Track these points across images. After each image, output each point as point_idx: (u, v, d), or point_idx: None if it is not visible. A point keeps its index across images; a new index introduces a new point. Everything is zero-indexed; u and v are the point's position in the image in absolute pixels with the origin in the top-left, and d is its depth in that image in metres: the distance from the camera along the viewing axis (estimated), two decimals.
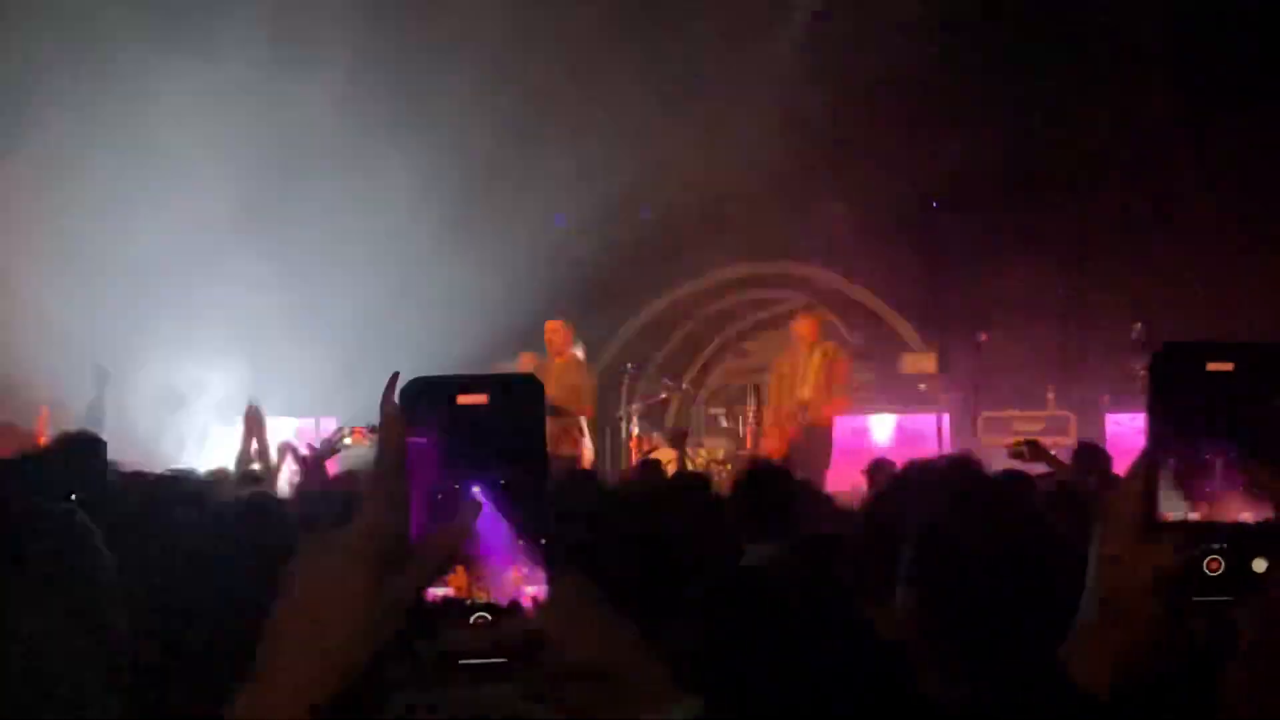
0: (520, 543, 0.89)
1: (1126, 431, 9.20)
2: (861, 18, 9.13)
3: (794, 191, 10.22)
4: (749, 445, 9.14)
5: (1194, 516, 1.05)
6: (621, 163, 9.39)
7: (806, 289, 11.26)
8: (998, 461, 6.81)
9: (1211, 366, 1.04)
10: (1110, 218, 9.68)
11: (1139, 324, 9.05)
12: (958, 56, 9.25)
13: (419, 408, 0.88)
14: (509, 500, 0.89)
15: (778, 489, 3.68)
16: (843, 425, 10.29)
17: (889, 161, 10.00)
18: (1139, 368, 9.11)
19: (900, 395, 10.52)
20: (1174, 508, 1.05)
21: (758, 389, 9.25)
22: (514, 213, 9.73)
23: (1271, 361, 1.05)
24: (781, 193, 10.18)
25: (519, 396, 0.90)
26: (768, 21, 9.90)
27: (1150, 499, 1.04)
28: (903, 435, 10.25)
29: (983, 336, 9.32)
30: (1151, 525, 1.04)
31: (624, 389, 9.87)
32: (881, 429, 10.36)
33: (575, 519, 2.76)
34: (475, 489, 0.88)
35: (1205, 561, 1.04)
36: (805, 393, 8.51)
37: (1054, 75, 9.33)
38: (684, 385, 10.77)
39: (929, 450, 9.54)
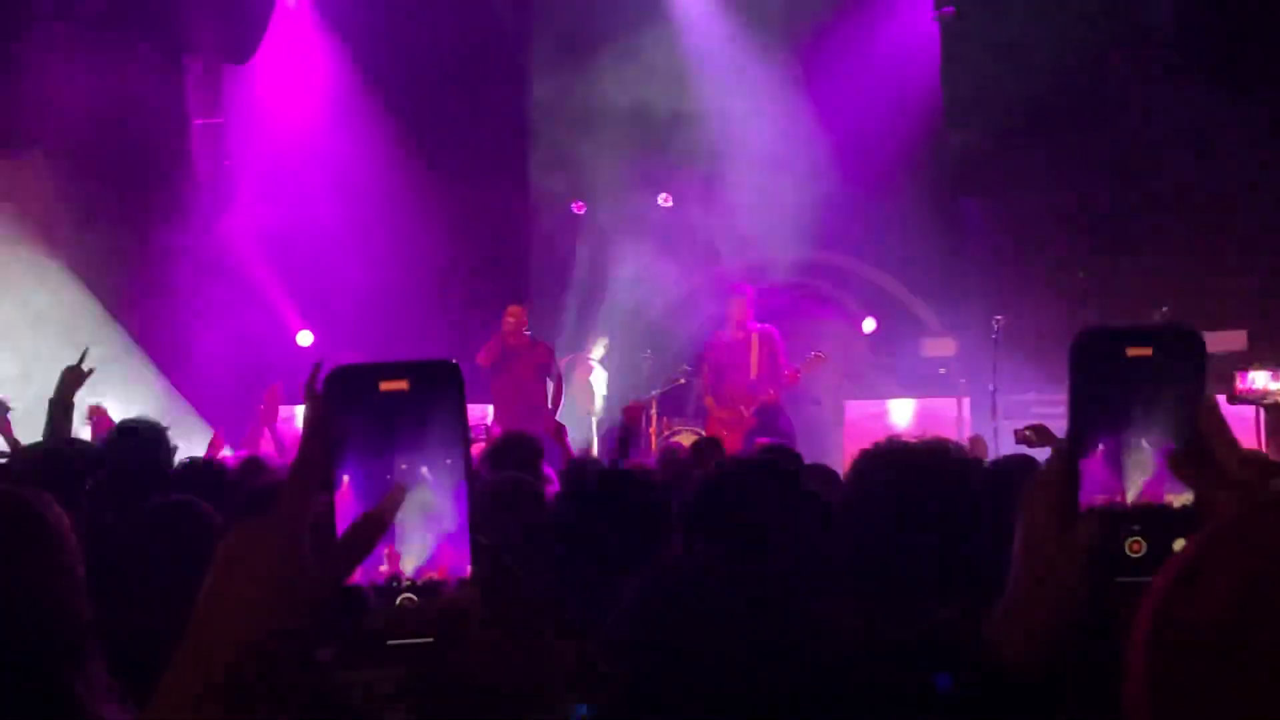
0: (446, 526, 0.92)
1: None
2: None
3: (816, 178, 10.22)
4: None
5: (1115, 500, 1.06)
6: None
7: (827, 273, 11.25)
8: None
9: (1131, 351, 1.06)
10: (1133, 201, 9.60)
11: (1165, 308, 9.05)
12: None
13: (341, 395, 0.92)
14: (434, 484, 0.92)
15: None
16: (861, 410, 10.32)
17: (908, 148, 10.03)
18: None
19: (920, 379, 10.49)
20: (1095, 492, 1.07)
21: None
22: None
23: (1189, 345, 1.06)
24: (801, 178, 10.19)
25: (439, 382, 0.93)
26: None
27: (1070, 484, 1.06)
28: (923, 419, 10.24)
29: (998, 319, 9.28)
30: (1072, 510, 1.06)
31: (645, 375, 9.92)
32: (901, 413, 10.35)
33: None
34: (401, 473, 0.91)
35: (1127, 543, 1.06)
36: (752, 373, 8.78)
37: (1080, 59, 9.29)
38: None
39: (948, 433, 9.57)
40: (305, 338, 9.82)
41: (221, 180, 9.31)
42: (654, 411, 9.77)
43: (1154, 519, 1.05)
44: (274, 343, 9.54)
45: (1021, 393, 9.90)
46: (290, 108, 9.54)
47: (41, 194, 8.96)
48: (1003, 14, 8.72)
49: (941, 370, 10.39)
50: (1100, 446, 1.06)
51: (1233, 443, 1.04)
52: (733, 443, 8.46)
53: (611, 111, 9.97)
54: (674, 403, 10.12)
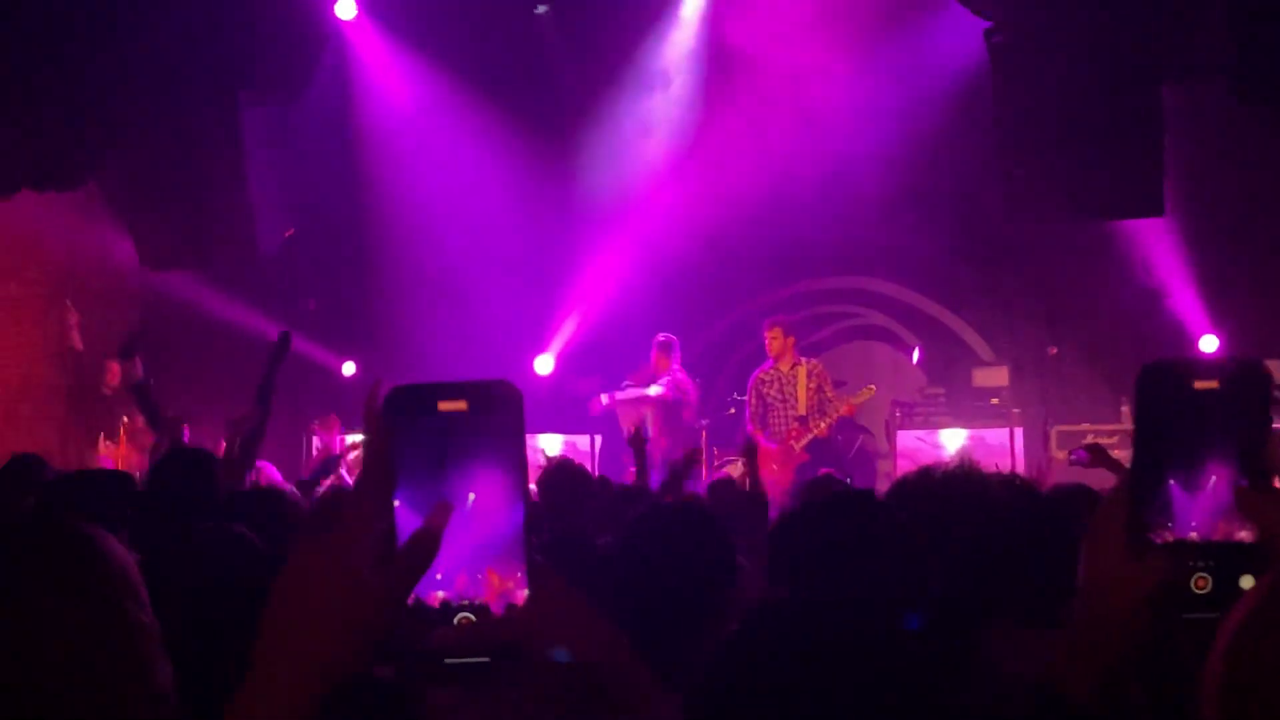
0: (502, 545, 0.94)
1: None
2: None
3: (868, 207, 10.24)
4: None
5: (1181, 535, 1.05)
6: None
7: (878, 303, 11.21)
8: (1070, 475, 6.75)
9: (1198, 384, 1.05)
10: (1184, 227, 9.50)
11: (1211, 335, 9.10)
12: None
13: (402, 415, 0.93)
14: (490, 503, 0.93)
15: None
16: (911, 439, 10.24)
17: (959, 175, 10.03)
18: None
19: (971, 410, 10.40)
20: (1161, 526, 1.05)
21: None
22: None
23: (1256, 378, 1.05)
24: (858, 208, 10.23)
25: (498, 403, 0.94)
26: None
27: (1136, 519, 1.05)
28: (975, 449, 10.15)
29: (1052, 350, 9.20)
30: (1138, 544, 1.05)
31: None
32: (952, 443, 10.26)
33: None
34: (456, 493, 0.93)
35: (1193, 579, 1.04)
36: (800, 409, 8.79)
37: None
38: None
39: (1001, 462, 9.50)
40: (349, 368, 9.96)
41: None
42: (703, 442, 9.77)
43: (1221, 555, 1.04)
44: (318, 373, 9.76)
45: (1075, 423, 9.81)
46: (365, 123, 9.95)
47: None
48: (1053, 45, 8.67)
49: (993, 400, 10.30)
50: (1166, 480, 1.05)
51: None
52: (782, 477, 8.49)
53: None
54: (722, 433, 10.11)
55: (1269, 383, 1.04)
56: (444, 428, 0.93)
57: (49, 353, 9.49)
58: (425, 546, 0.88)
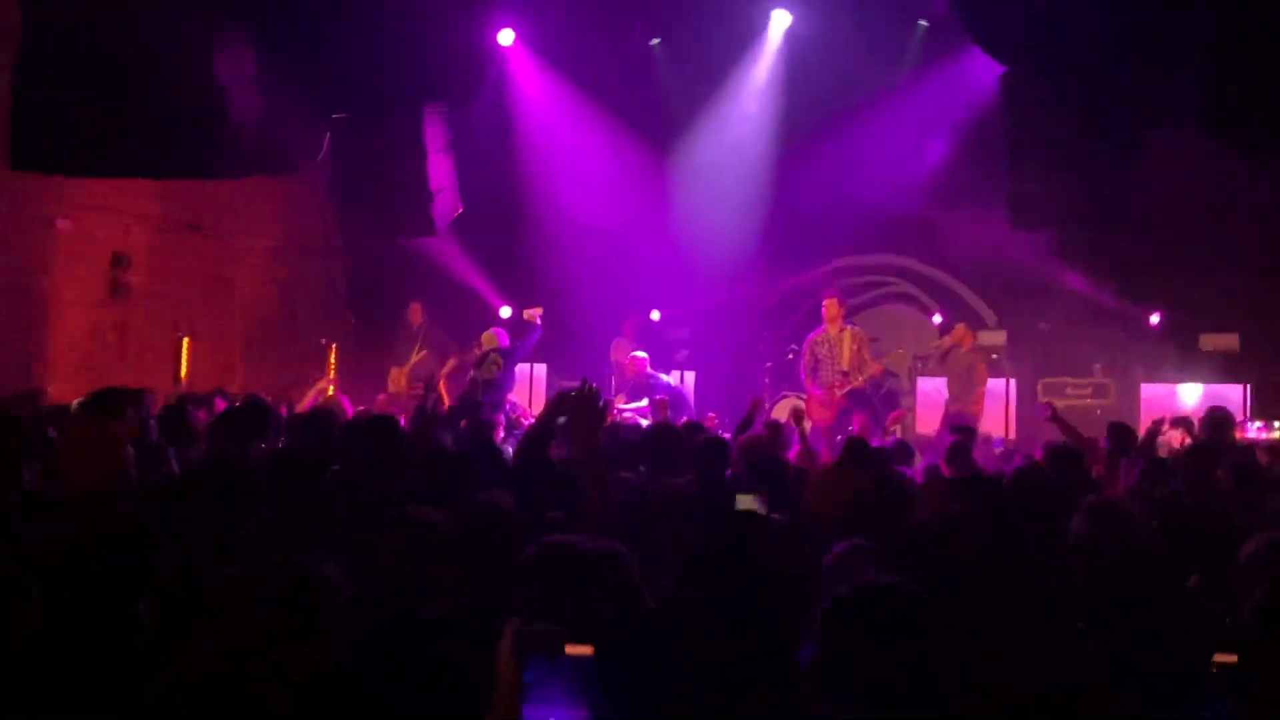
0: None
1: (1157, 396, 11.72)
2: None
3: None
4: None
5: None
6: None
7: (907, 275, 13.93)
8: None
9: None
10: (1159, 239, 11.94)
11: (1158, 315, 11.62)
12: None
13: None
14: None
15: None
16: (928, 384, 12.93)
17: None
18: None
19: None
20: None
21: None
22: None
23: None
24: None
25: None
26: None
27: None
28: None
29: (1043, 326, 11.77)
30: None
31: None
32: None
33: None
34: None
35: None
36: (844, 365, 10.78)
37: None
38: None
39: (998, 407, 12.19)
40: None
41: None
42: (766, 380, 12.57)
43: None
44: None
45: (1057, 376, 12.46)
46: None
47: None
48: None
49: (994, 357, 12.86)
50: None
51: None
52: (825, 417, 10.75)
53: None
54: (781, 376, 12.85)
55: None
56: None
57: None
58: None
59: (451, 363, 11.29)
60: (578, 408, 3.64)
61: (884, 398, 12.40)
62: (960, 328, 11.60)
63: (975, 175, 12.07)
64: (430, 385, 7.00)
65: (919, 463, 7.30)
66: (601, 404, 3.77)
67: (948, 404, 11.51)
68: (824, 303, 11.14)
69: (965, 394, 11.28)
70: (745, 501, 3.84)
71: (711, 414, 9.70)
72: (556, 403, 4.24)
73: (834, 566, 3.39)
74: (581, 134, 12.68)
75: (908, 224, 13.13)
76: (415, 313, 11.99)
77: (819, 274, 13.26)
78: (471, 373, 10.35)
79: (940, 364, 11.91)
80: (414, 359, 11.57)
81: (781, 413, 11.00)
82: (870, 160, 12.40)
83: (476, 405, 8.59)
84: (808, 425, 9.02)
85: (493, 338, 10.86)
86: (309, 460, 4.11)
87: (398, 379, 11.56)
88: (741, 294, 13.54)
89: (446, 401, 8.51)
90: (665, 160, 13.12)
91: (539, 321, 10.78)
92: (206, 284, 11.90)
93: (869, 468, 5.16)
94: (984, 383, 11.40)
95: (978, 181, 11.94)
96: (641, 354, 11.26)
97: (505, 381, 10.51)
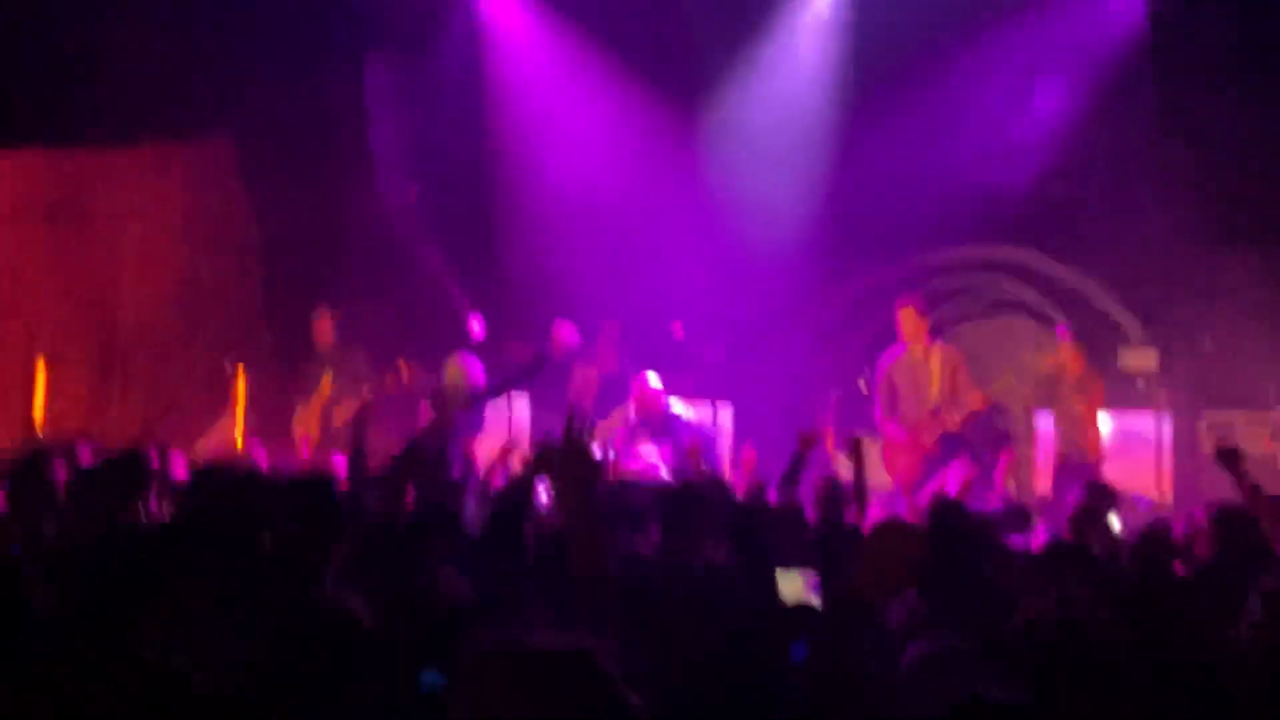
0: None
1: None
2: None
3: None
4: None
5: None
6: None
7: (1017, 272, 13.72)
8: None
9: None
10: None
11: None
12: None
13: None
14: None
15: None
16: (1051, 423, 12.76)
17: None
18: None
19: (1114, 392, 12.70)
20: None
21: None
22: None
23: None
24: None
25: None
26: None
27: None
28: (1119, 435, 12.44)
29: (1206, 343, 11.54)
30: None
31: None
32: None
33: None
34: None
35: None
36: (932, 397, 10.54)
37: None
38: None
39: (1146, 453, 12.03)
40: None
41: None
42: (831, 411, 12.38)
43: None
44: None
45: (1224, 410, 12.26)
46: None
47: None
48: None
49: (1139, 384, 12.67)
50: None
51: None
52: (909, 470, 10.46)
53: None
54: (849, 412, 12.68)
55: None
56: None
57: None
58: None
59: (358, 404, 9.57)
60: (564, 466, 3.51)
61: (990, 441, 12.25)
62: (1066, 345, 11.38)
63: (1113, 138, 11.92)
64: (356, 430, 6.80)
65: (1037, 530, 7.20)
66: (596, 459, 3.69)
67: (1057, 447, 11.29)
68: (898, 313, 10.85)
69: (1077, 434, 11.07)
70: (791, 585, 3.73)
71: (748, 446, 9.33)
72: (538, 462, 4.07)
73: (914, 673, 3.29)
74: (581, 89, 12.53)
75: (1017, 205, 12.93)
76: (323, 329, 11.12)
77: (897, 272, 13.14)
78: (431, 415, 10.02)
79: (1045, 395, 11.75)
80: (325, 394, 10.96)
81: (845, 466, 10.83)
82: (966, 120, 12.28)
83: (437, 458, 8.34)
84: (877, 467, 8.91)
85: (459, 372, 10.52)
86: (211, 534, 4.06)
87: (307, 421, 10.99)
88: (793, 300, 13.33)
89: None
90: (692, 123, 12.97)
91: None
92: (73, 289, 11.76)
93: (964, 540, 5.08)
94: (1096, 417, 11.20)
95: (1117, 145, 11.80)
96: (656, 380, 10.94)
97: (468, 428, 10.12)
